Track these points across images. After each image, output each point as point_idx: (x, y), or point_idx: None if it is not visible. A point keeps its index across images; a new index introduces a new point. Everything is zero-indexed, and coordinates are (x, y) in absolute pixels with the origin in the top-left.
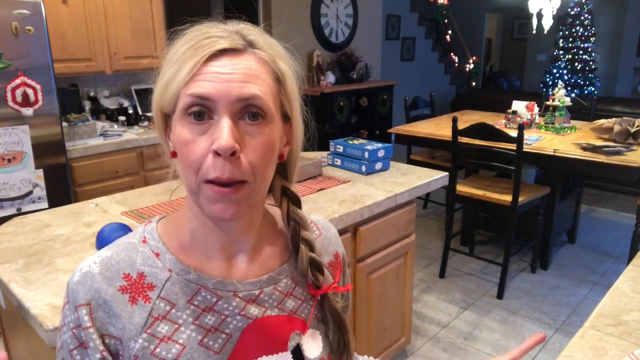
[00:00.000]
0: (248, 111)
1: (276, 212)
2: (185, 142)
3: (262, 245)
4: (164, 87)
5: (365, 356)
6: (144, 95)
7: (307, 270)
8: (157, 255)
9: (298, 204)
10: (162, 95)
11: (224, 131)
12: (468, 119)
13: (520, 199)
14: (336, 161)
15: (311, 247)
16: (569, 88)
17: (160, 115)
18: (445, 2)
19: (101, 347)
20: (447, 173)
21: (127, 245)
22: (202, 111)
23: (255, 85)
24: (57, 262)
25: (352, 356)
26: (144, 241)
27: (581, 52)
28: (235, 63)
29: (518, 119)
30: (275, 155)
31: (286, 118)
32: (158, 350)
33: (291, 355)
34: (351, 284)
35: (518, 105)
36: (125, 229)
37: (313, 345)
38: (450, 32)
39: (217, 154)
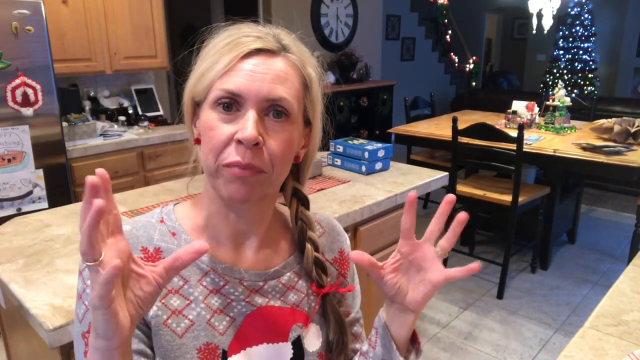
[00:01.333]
0: (274, 109)
1: (286, 211)
2: (210, 127)
3: (271, 238)
4: (199, 76)
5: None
6: (144, 95)
7: (312, 269)
8: (174, 234)
9: (307, 206)
10: (196, 84)
11: (249, 123)
12: (468, 119)
13: (520, 199)
14: (336, 161)
15: (316, 248)
16: (569, 88)
17: (191, 102)
18: (445, 2)
19: None
20: (447, 173)
21: (145, 223)
22: (231, 103)
23: (284, 87)
24: (57, 262)
25: (348, 356)
26: (162, 221)
27: (581, 52)
28: (268, 64)
29: (518, 119)
30: (293, 153)
31: (307, 122)
32: (170, 321)
33: (291, 346)
34: (358, 283)
35: (518, 105)
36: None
37: (313, 339)
38: (450, 32)
39: (239, 142)
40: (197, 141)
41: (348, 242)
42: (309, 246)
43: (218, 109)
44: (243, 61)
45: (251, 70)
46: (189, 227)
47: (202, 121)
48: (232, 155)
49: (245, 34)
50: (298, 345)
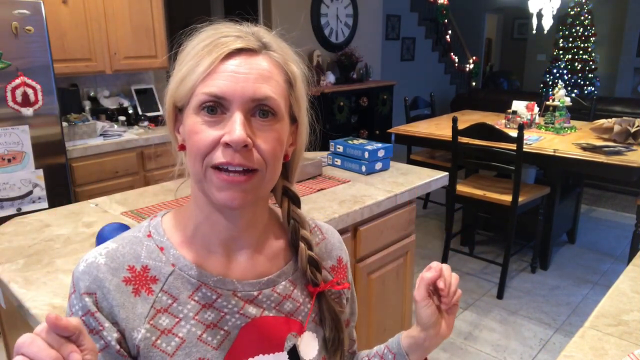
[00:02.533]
0: (260, 109)
1: (280, 212)
2: (195, 132)
3: (266, 242)
4: (180, 81)
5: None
6: (144, 95)
7: (306, 267)
8: (162, 249)
9: (298, 204)
10: (177, 89)
11: (236, 125)
12: (468, 119)
13: (520, 199)
14: (336, 161)
15: (309, 246)
16: (569, 88)
17: (172, 108)
18: (445, 2)
19: (115, 328)
20: (447, 173)
21: (132, 239)
22: (215, 107)
23: (268, 86)
24: (57, 262)
25: (344, 354)
26: (149, 235)
27: (581, 52)
28: (251, 63)
29: (518, 119)
30: (283, 151)
31: (293, 119)
32: (159, 342)
33: (287, 356)
34: (349, 285)
35: (518, 105)
36: (125, 229)
37: (309, 347)
38: (450, 32)
39: (227, 145)
40: (182, 147)
41: (346, 251)
42: (302, 245)
43: (202, 113)
44: (225, 62)
45: (234, 71)
46: (178, 240)
47: (187, 126)
48: (219, 157)
49: (224, 34)
50: (294, 354)
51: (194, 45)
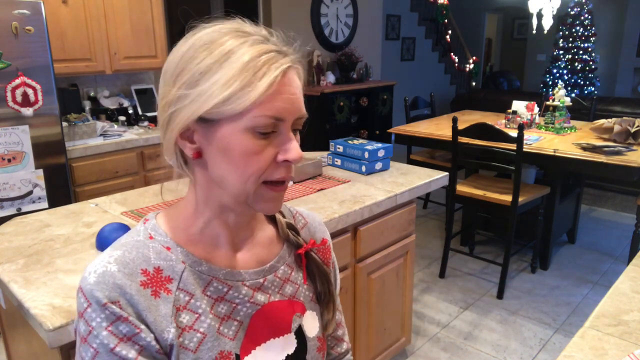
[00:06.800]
0: (296, 126)
1: None
2: (253, 152)
3: (260, 232)
4: (227, 98)
5: None
6: (144, 95)
7: (288, 234)
8: (169, 249)
9: None
10: (220, 104)
11: (294, 143)
12: (468, 119)
13: (520, 199)
14: (336, 161)
15: (282, 214)
16: (569, 88)
17: (195, 119)
18: (445, 2)
19: (149, 330)
20: (447, 173)
21: (135, 243)
22: (273, 130)
23: (302, 102)
24: (57, 262)
25: (335, 305)
26: (151, 237)
27: (581, 52)
28: (294, 80)
29: (518, 119)
30: None
31: None
32: (181, 339)
33: (294, 336)
34: (326, 240)
35: (518, 105)
36: (125, 229)
37: (311, 325)
38: (450, 32)
39: (286, 161)
40: (199, 155)
41: (327, 232)
42: (278, 216)
43: (257, 134)
44: (280, 82)
45: (288, 92)
46: (182, 239)
47: (235, 145)
48: (275, 174)
49: (267, 49)
50: (300, 334)
51: (235, 58)
